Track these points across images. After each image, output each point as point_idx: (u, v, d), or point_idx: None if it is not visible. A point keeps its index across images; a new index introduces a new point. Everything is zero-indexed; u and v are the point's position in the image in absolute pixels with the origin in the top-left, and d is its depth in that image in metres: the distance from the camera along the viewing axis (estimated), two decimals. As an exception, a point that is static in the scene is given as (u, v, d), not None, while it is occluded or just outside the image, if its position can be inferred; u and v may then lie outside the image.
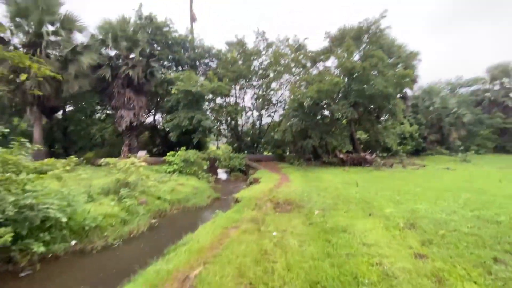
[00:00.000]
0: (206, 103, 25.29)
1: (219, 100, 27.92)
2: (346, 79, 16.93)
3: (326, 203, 8.00)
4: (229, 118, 29.20)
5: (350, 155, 21.28)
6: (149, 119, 30.90)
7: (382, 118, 21.73)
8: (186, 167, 16.13)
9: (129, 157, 24.49)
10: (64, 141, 25.93)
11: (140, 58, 21.61)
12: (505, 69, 30.07)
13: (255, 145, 28.99)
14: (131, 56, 22.29)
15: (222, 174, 21.50)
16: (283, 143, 22.72)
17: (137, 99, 22.27)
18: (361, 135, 23.46)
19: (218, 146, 36.95)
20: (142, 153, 21.07)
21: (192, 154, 17.02)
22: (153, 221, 8.07)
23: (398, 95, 18.13)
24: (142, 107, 22.82)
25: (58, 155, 24.45)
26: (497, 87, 31.43)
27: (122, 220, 7.39)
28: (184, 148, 18.05)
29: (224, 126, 30.57)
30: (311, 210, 7.21)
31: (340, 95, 17.09)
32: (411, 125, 23.57)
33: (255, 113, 28.62)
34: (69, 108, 26.25)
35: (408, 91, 21.98)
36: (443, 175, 14.04)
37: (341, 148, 17.77)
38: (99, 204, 8.00)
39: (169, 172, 16.02)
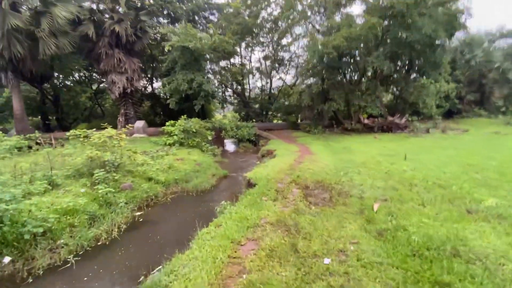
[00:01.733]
0: (208, 64, 22.12)
1: (223, 64, 24.58)
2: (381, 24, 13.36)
3: (377, 187, 5.58)
4: (234, 83, 26.14)
5: (375, 120, 18.45)
6: (149, 88, 28.22)
7: (413, 75, 18.31)
8: (187, 139, 13.81)
9: (128, 128, 22.33)
10: (56, 112, 23.77)
11: (127, 11, 18.25)
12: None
13: (265, 113, 26.19)
14: (117, 8, 18.93)
15: (229, 146, 19.22)
16: (297, 108, 19.87)
17: (129, 61, 19.38)
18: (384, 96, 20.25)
19: (224, 115, 34.08)
20: (140, 124, 18.83)
21: (194, 123, 14.57)
22: (138, 214, 5.91)
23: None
24: (135, 71, 19.98)
25: (51, 129, 22.54)
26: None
27: (91, 217, 5.23)
28: (185, 116, 15.55)
29: (230, 92, 27.58)
30: (363, 200, 4.83)
31: (372, 44, 13.71)
32: (447, 83, 20.08)
33: (264, 76, 25.32)
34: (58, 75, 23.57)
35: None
36: (504, 142, 11.29)
37: (371, 111, 14.89)
38: (64, 193, 5.85)
39: (168, 145, 13.79)
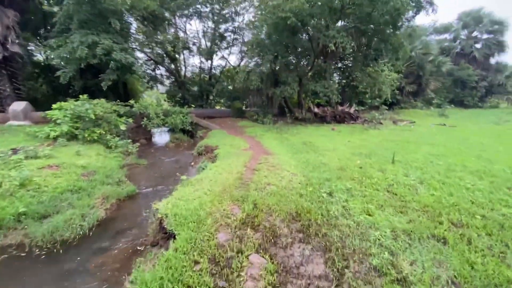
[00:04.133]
0: (133, 31, 16.85)
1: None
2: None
3: (404, 232, 2.98)
4: (167, 59, 21.22)
5: (326, 109, 16.82)
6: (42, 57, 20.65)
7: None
8: (84, 130, 9.24)
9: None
10: None
11: None
12: (476, 16, 27.92)
13: (205, 96, 22.24)
14: None
15: (162, 137, 14.80)
16: (243, 93, 16.77)
17: (-4, 13, 13.13)
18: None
19: (158, 98, 28.09)
20: (19, 106, 12.94)
21: (95, 106, 9.97)
22: None
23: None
24: (10, 28, 13.87)
25: None
26: (463, 37, 29.67)
27: None
28: (85, 96, 10.74)
29: (162, 71, 22.49)
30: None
31: (333, 16, 11.32)
32: (390, 72, 19.85)
33: (203, 53, 21.09)
34: None
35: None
36: (462, 135, 10.55)
37: (322, 100, 12.83)
38: None
39: (53, 138, 9.04)
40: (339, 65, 18.01)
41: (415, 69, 21.90)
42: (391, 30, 11.50)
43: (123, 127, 10.72)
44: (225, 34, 20.77)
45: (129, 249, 3.65)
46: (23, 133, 10.06)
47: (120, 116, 12.62)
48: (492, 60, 28.69)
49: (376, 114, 13.59)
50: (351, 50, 10.77)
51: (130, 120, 12.00)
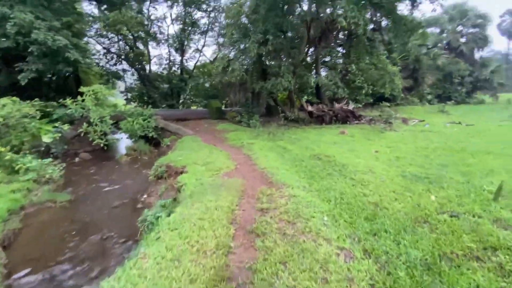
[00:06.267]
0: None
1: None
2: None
3: None
4: (129, 51, 17.60)
5: (320, 107, 14.25)
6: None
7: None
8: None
9: None
10: None
11: None
12: (462, 9, 26.99)
13: (176, 95, 18.78)
14: None
15: (121, 146, 11.13)
16: (223, 89, 13.68)
17: None
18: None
19: (127, 98, 22.76)
20: None
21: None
22: None
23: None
24: None
25: None
26: (450, 30, 28.74)
27: None
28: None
29: (125, 65, 18.66)
30: None
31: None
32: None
33: (172, 41, 17.66)
34: None
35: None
36: (498, 134, 8.36)
37: (336, 93, 10.15)
38: None
39: None
40: (326, 58, 15.27)
41: (412, 62, 20.08)
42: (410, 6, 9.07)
43: (46, 138, 7.26)
44: (197, 16, 17.33)
45: None
46: None
47: (55, 120, 9.17)
48: (476, 55, 28.05)
49: (391, 111, 11.17)
50: (362, 29, 8.12)
51: (66, 127, 8.52)
